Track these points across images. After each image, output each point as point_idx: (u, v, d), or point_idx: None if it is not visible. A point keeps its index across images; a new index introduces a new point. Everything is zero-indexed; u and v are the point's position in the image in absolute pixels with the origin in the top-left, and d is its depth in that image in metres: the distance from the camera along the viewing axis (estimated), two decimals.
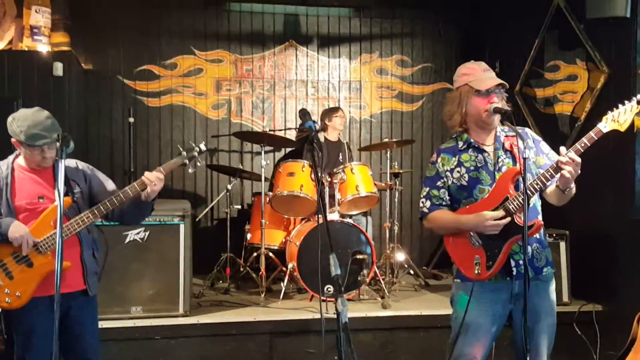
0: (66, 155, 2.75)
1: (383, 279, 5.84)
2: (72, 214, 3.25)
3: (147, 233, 4.88)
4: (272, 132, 6.66)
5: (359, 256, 5.49)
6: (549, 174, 2.86)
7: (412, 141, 6.84)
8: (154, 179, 3.24)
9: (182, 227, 4.98)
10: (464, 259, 3.06)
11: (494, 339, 3.11)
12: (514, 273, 2.99)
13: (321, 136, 6.55)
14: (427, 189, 3.19)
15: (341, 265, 5.39)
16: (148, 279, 4.90)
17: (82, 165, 3.49)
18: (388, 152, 6.28)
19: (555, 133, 6.16)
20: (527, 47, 6.59)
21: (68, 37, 6.24)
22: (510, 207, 2.91)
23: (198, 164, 3.51)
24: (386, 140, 6.30)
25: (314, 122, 2.72)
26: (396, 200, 6.41)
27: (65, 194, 3.18)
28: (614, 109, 2.81)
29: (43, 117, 3.22)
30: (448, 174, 3.13)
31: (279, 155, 7.24)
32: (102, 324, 4.58)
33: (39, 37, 5.68)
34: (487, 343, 3.07)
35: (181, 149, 3.51)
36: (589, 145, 2.80)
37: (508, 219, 2.91)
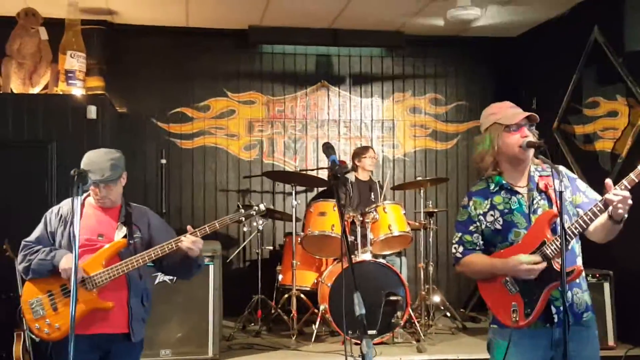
0: (82, 191, 2.71)
1: (418, 322, 5.66)
2: (125, 256, 3.23)
3: None
4: (303, 172, 6.61)
5: (393, 297, 5.35)
6: (592, 213, 2.70)
7: (447, 179, 6.71)
8: (189, 245, 3.19)
9: (211, 268, 4.93)
10: (501, 306, 2.89)
11: None
12: (555, 320, 2.82)
13: (352, 176, 6.49)
14: (460, 234, 3.05)
15: (374, 307, 5.31)
16: (177, 321, 4.85)
17: (150, 213, 3.50)
18: (422, 191, 6.16)
19: (596, 170, 5.97)
20: (564, 83, 6.47)
21: (103, 82, 6.35)
22: (548, 252, 2.75)
23: (255, 223, 3.47)
24: (419, 178, 6.17)
25: (336, 156, 2.65)
26: (430, 240, 6.26)
27: (124, 236, 3.26)
28: None
29: (103, 158, 3.28)
30: (481, 217, 2.98)
31: (312, 195, 7.17)
32: None
33: (73, 82, 5.77)
34: None
35: (240, 206, 3.47)
36: (636, 181, 2.65)
37: (544, 264, 2.76)
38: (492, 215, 2.95)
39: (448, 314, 6.23)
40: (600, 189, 2.73)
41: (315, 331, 5.39)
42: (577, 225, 2.72)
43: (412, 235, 5.87)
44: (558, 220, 2.76)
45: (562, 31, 6.58)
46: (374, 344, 5.20)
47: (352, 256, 5.64)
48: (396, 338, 5.42)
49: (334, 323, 5.33)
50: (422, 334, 5.46)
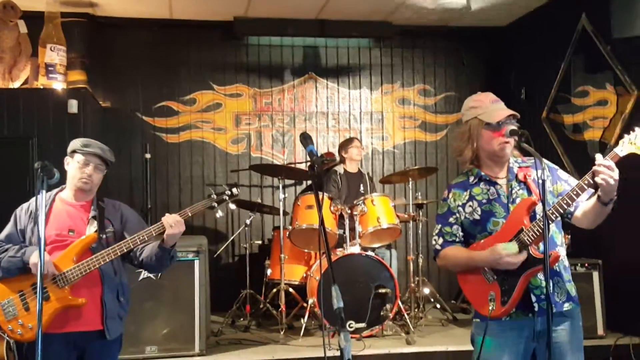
0: (47, 185, 2.64)
1: (408, 314, 5.60)
2: (98, 251, 3.15)
3: None
4: (289, 165, 6.53)
5: (382, 290, 5.29)
6: (565, 202, 2.67)
7: (435, 169, 6.62)
8: (172, 222, 3.12)
9: (197, 263, 4.85)
10: (478, 296, 2.86)
11: None
12: (536, 309, 2.78)
13: (341, 168, 6.42)
14: (440, 226, 3.02)
15: (363, 300, 5.26)
16: (162, 318, 4.77)
17: (124, 207, 3.43)
18: (410, 183, 6.09)
19: (585, 160, 5.92)
20: (553, 72, 6.42)
21: (85, 75, 6.25)
22: (525, 239, 2.71)
23: (230, 207, 3.40)
24: (407, 168, 6.10)
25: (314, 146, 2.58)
26: (420, 232, 6.20)
27: (96, 231, 3.19)
28: (631, 131, 2.62)
29: (99, 142, 3.33)
30: (460, 209, 2.96)
31: (301, 188, 7.10)
32: None
33: (54, 75, 5.67)
34: None
35: (212, 191, 3.39)
36: (620, 156, 2.60)
37: (525, 254, 2.71)
38: (470, 206, 2.93)
39: (438, 306, 6.18)
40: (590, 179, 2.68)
41: (304, 325, 5.32)
42: (554, 210, 2.67)
43: (401, 227, 5.80)
44: (537, 207, 2.74)
45: (550, 19, 6.52)
46: (364, 337, 5.17)
47: (340, 249, 5.59)
48: (385, 331, 5.36)
49: (323, 317, 5.25)
50: (411, 326, 5.41)
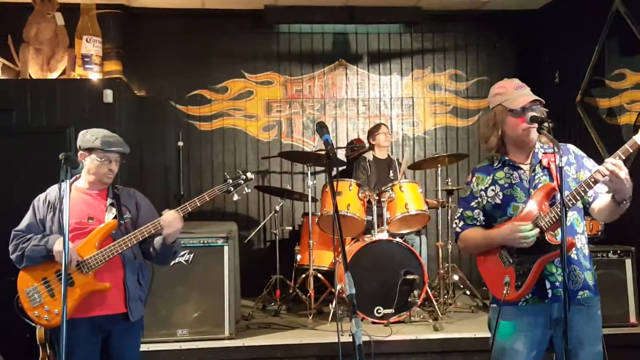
0: (71, 175, 2.74)
1: (437, 300, 5.62)
2: (118, 237, 3.28)
3: (192, 255, 4.87)
4: (319, 152, 6.58)
5: (409, 276, 5.32)
6: (582, 189, 2.68)
7: (465, 155, 6.60)
8: (170, 220, 3.23)
9: (226, 248, 4.95)
10: (494, 279, 2.91)
11: None
12: (549, 295, 2.80)
13: (370, 155, 6.46)
14: (461, 209, 3.08)
15: (391, 286, 5.30)
16: (193, 302, 4.89)
17: (138, 194, 3.56)
18: (439, 169, 6.08)
19: (620, 144, 5.82)
20: (587, 55, 6.31)
21: (120, 65, 6.39)
22: (541, 224, 2.73)
23: (245, 191, 3.48)
24: (436, 155, 6.09)
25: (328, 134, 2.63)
26: (449, 218, 6.19)
27: (115, 217, 3.31)
28: None
29: (113, 134, 3.43)
30: (482, 193, 2.99)
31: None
32: (149, 347, 4.64)
33: (90, 66, 5.82)
34: None
35: (227, 175, 3.48)
36: (623, 158, 2.62)
37: (537, 230, 2.73)
38: (492, 190, 2.96)
39: (468, 293, 6.18)
40: (624, 164, 2.67)
41: (332, 311, 5.39)
42: (571, 197, 2.68)
43: (429, 213, 5.81)
44: (557, 194, 2.74)
45: (584, 1, 6.40)
46: (391, 323, 5.22)
47: (369, 235, 5.63)
48: (413, 317, 5.39)
49: None
50: (440, 313, 5.43)
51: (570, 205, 2.70)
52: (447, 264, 6.04)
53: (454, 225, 3.08)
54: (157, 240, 3.34)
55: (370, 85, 7.43)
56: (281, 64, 7.32)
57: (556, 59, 6.95)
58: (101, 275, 3.23)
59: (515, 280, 2.80)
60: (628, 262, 5.11)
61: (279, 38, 7.34)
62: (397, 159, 6.62)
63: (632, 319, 5.04)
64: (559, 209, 2.67)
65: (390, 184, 5.69)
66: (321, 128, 2.67)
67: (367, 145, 6.59)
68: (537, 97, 2.88)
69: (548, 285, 2.80)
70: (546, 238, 2.73)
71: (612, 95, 6.09)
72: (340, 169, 7.07)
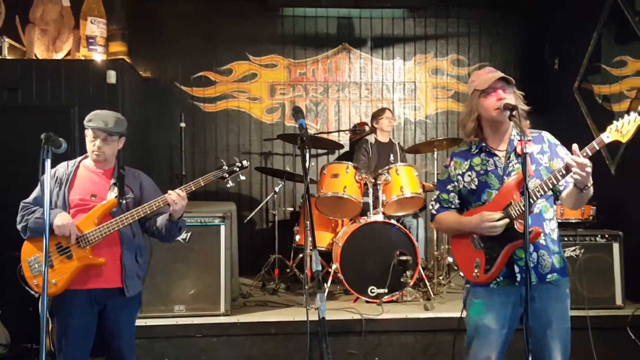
0: (52, 154, 2.85)
1: (430, 281, 5.74)
2: (118, 215, 3.40)
3: (189, 234, 5.00)
4: (318, 135, 6.69)
5: (403, 257, 5.43)
6: (554, 177, 2.80)
7: (460, 140, 6.67)
8: (175, 198, 3.35)
9: (222, 228, 5.08)
10: (466, 261, 3.07)
11: (506, 341, 3.04)
12: (518, 279, 2.95)
13: (372, 137, 6.57)
14: (438, 192, 3.23)
15: (385, 267, 5.42)
16: (191, 279, 5.03)
17: (143, 176, 3.68)
18: (435, 153, 6.17)
19: None
20: (585, 42, 6.35)
21: (125, 47, 6.49)
22: (512, 213, 2.86)
23: (240, 178, 3.58)
24: (433, 139, 6.18)
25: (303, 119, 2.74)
26: None
27: (116, 196, 3.44)
28: (619, 119, 2.73)
29: (109, 113, 3.49)
30: (459, 177, 3.12)
31: (333, 158, 7.27)
32: (147, 322, 4.80)
33: (94, 47, 5.93)
34: (499, 345, 3.01)
35: (223, 162, 3.58)
36: (590, 154, 2.73)
37: (506, 220, 2.86)
38: (469, 175, 3.07)
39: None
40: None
41: (327, 289, 5.53)
42: (540, 189, 2.79)
43: (424, 196, 5.91)
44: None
45: None
46: (384, 302, 5.36)
47: (364, 217, 5.75)
48: (405, 297, 5.51)
49: (345, 282, 5.46)
50: (432, 293, 5.56)
51: (539, 196, 2.82)
52: (442, 246, 6.15)
53: (430, 207, 3.24)
54: (162, 218, 3.47)
55: (373, 70, 7.51)
56: (285, 47, 7.41)
57: (557, 45, 7.00)
58: (99, 251, 3.38)
59: (485, 264, 2.95)
60: (615, 246, 5.19)
61: (284, 21, 7.43)
62: (399, 143, 6.72)
63: (619, 301, 5.15)
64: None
65: (387, 167, 5.79)
66: (297, 113, 2.78)
67: (369, 128, 6.69)
68: (503, 75, 2.98)
69: (517, 269, 2.94)
70: (515, 226, 2.85)
71: (613, 82, 6.14)
72: (342, 151, 7.21)
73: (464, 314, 3.13)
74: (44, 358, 2.68)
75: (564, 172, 2.75)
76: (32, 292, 3.42)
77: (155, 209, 3.39)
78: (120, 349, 3.53)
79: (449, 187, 3.15)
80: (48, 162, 2.81)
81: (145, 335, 4.75)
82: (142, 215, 3.39)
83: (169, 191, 3.37)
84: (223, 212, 5.13)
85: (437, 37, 7.56)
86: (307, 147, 2.65)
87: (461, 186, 3.10)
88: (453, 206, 3.15)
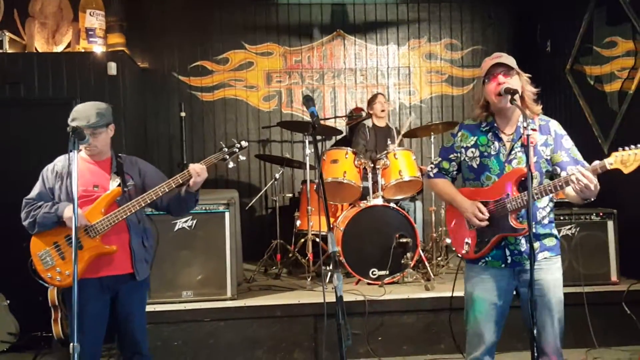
0: (78, 146, 2.95)
1: (429, 262, 5.88)
2: (122, 203, 3.49)
3: (195, 221, 5.10)
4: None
5: (403, 240, 5.56)
6: (550, 188, 2.91)
7: (456, 123, 6.78)
8: (199, 170, 3.46)
9: (227, 215, 5.18)
10: (457, 236, 3.24)
11: (503, 313, 3.18)
12: (509, 261, 3.10)
13: (369, 122, 6.68)
14: (439, 159, 3.33)
15: (385, 249, 5.55)
16: (197, 265, 5.13)
17: (140, 161, 3.77)
18: (432, 137, 6.29)
19: (606, 111, 6.02)
20: (577, 24, 6.45)
21: (124, 38, 6.54)
22: (508, 206, 2.99)
23: (240, 158, 3.66)
24: (430, 123, 6.29)
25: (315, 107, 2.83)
26: None
27: (119, 185, 3.53)
28: (627, 148, 2.75)
29: (90, 107, 3.50)
30: (463, 150, 3.22)
31: (330, 144, 7.38)
32: (155, 308, 4.91)
33: (94, 39, 6.00)
34: (495, 316, 3.16)
35: (223, 144, 3.67)
36: (600, 172, 2.81)
37: (485, 223, 3.05)
38: (472, 152, 3.17)
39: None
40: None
41: (329, 273, 5.64)
42: (539, 193, 2.92)
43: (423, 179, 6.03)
44: (524, 179, 2.98)
45: None
46: (385, 284, 5.49)
47: (364, 201, 5.87)
48: (406, 278, 5.64)
49: (347, 265, 5.59)
50: (432, 274, 5.69)
51: (536, 198, 2.95)
52: (440, 228, 6.29)
53: (429, 169, 3.37)
54: (176, 195, 3.56)
55: (367, 55, 7.61)
56: (280, 35, 7.49)
57: (548, 28, 7.10)
58: (108, 239, 3.47)
59: (475, 245, 3.11)
60: (610, 224, 5.32)
61: (279, 9, 7.50)
62: (396, 128, 6.83)
63: (613, 277, 5.28)
64: (525, 198, 2.91)
65: (385, 152, 5.91)
66: (307, 101, 2.86)
67: (366, 114, 6.80)
68: (498, 60, 3.06)
69: (508, 252, 3.11)
70: (509, 218, 3.01)
71: (604, 62, 6.24)
72: (339, 137, 7.32)
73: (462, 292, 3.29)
74: (75, 340, 2.75)
75: (564, 184, 2.86)
76: (46, 285, 3.51)
77: (160, 194, 3.47)
78: (134, 332, 3.64)
79: (451, 156, 3.26)
80: (75, 154, 2.89)
81: (154, 320, 4.84)
82: (149, 202, 3.48)
83: (191, 164, 3.47)
84: (227, 199, 5.23)
85: (430, 21, 7.66)
86: (317, 134, 2.74)
87: (462, 158, 3.22)
88: (449, 176, 3.30)
